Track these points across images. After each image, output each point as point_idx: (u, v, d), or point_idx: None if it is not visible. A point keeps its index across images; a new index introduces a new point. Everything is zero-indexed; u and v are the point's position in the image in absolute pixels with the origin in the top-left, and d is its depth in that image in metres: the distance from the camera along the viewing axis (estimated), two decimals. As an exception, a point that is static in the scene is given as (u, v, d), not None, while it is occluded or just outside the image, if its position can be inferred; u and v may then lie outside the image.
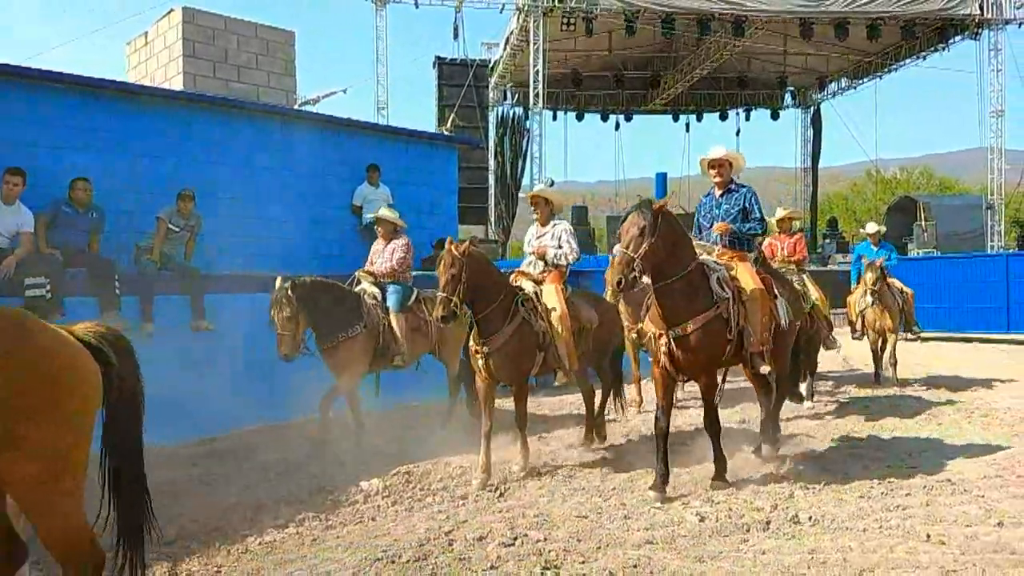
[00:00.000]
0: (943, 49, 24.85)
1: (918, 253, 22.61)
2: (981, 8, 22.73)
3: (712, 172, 6.05)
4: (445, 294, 5.48)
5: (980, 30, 23.46)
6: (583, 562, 4.04)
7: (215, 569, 4.15)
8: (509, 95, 27.72)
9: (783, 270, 8.21)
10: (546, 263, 6.48)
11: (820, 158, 31.97)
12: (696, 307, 5.15)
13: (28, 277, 6.54)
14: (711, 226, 6.01)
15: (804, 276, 8.75)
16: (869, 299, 10.05)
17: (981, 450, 6.33)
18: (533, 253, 6.59)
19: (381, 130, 12.35)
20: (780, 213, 9.33)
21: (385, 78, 23.66)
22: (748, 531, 4.49)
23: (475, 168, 21.31)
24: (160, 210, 8.06)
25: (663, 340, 5.19)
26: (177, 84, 10.25)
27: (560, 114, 31.64)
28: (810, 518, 4.66)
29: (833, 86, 30.69)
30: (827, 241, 28.43)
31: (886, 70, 27.65)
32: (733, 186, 6.05)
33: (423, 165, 11.70)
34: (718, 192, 6.08)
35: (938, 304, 16.30)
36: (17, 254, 6.67)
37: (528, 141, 23.88)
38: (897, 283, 10.88)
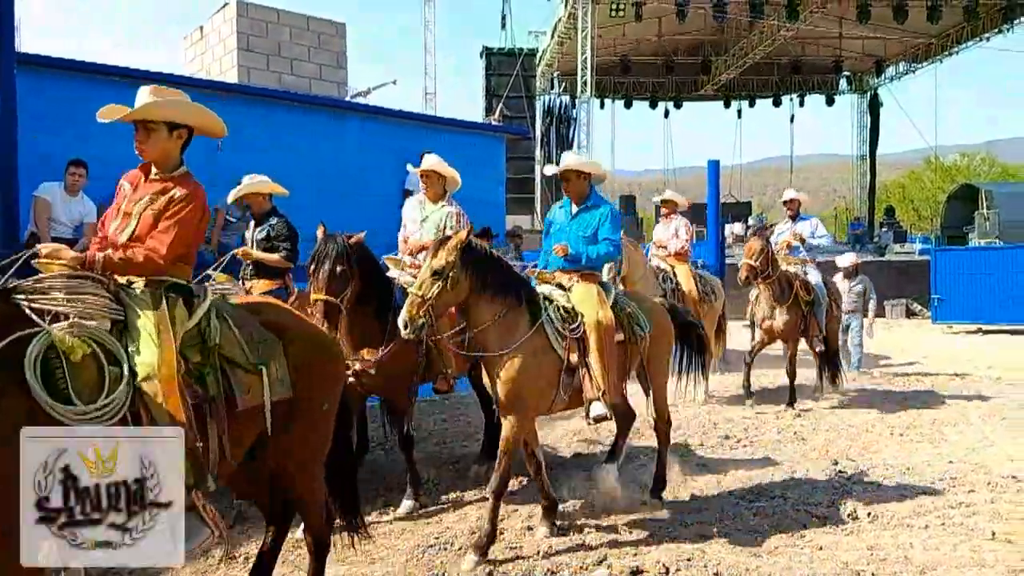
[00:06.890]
0: (1007, 30, 23.98)
1: (979, 243, 21.89)
2: (1049, -14, 21.90)
3: None
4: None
5: (1048, 9, 22.57)
6: (635, 555, 4.02)
7: (272, 553, 4.23)
8: (556, 84, 27.59)
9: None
10: None
11: (878, 145, 31.23)
12: None
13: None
14: None
15: None
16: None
17: (1048, 447, 6.12)
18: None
19: (430, 121, 12.38)
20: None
21: (433, 68, 23.79)
22: (805, 526, 4.41)
23: (522, 158, 21.31)
24: (218, 201, 8.23)
25: None
26: (232, 77, 10.43)
27: (607, 102, 31.44)
28: (869, 514, 4.55)
29: (891, 70, 29.86)
30: (884, 230, 27.73)
31: (947, 53, 26.76)
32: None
33: (471, 155, 11.71)
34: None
35: (1002, 295, 15.76)
36: (82, 244, 6.89)
37: (575, 130, 23.75)
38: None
